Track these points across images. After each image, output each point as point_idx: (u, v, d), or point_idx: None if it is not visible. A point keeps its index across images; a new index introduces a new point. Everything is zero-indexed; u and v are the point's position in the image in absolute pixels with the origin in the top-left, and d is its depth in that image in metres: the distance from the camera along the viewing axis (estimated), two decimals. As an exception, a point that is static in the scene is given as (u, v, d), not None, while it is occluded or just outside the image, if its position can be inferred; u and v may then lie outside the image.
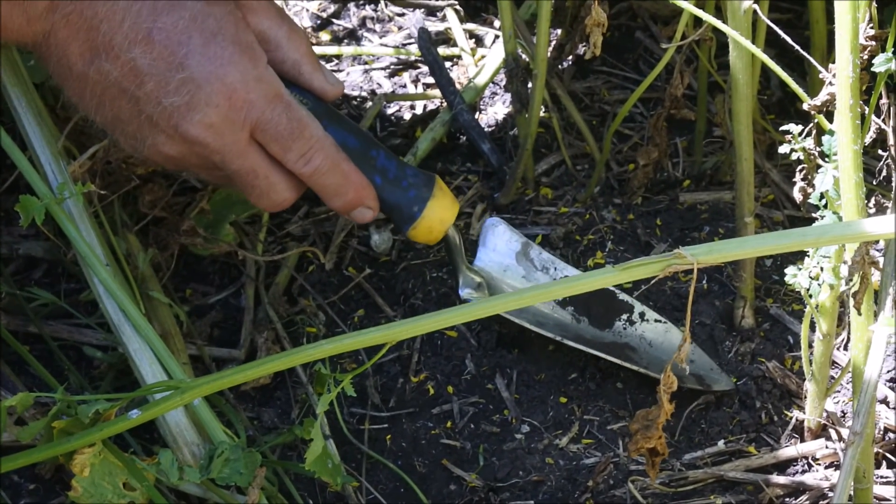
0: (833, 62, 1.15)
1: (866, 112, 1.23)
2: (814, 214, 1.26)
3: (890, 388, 1.45)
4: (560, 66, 1.78)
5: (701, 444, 1.43)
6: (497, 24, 1.91)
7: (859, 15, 1.14)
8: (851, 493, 1.24)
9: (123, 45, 1.23)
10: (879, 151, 1.34)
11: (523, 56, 1.66)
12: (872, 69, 1.19)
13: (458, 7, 1.95)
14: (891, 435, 1.41)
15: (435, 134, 1.74)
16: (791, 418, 1.44)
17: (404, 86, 1.87)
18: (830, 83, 1.23)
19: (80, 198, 1.38)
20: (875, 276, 1.20)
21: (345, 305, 1.59)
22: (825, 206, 1.24)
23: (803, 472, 1.40)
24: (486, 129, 1.75)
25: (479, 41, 1.92)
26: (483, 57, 1.86)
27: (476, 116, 1.77)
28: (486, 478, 1.41)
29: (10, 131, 1.41)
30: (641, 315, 1.50)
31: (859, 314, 1.20)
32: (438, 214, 1.41)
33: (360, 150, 1.37)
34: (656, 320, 1.50)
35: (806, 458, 1.40)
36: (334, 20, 1.98)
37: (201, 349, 1.52)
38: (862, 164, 1.16)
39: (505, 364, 1.50)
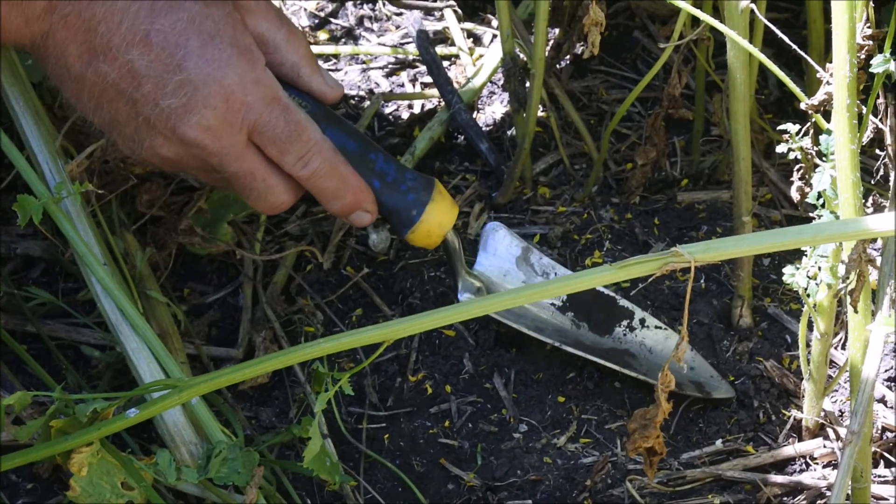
0: (830, 62, 1.15)
1: (864, 111, 1.23)
2: (811, 214, 1.26)
3: (888, 387, 1.45)
4: (558, 66, 1.78)
5: (699, 444, 1.43)
6: (495, 23, 1.90)
7: (856, 14, 1.14)
8: (849, 492, 1.24)
9: (121, 47, 1.22)
10: (877, 151, 1.34)
11: (521, 55, 1.66)
12: (870, 69, 1.19)
13: (456, 6, 1.94)
14: (888, 434, 1.41)
15: (433, 133, 1.74)
16: (789, 417, 1.44)
17: (402, 85, 1.87)
18: (828, 83, 1.23)
19: (78, 197, 1.38)
20: (872, 275, 1.20)
21: (343, 305, 1.59)
22: (823, 206, 1.24)
23: (801, 471, 1.40)
24: (483, 129, 1.75)
25: (477, 40, 1.92)
26: (481, 56, 1.86)
27: (474, 116, 1.77)
28: (484, 477, 1.41)
29: (8, 130, 1.41)
30: (642, 321, 1.49)
31: (856, 312, 1.20)
32: (437, 219, 1.40)
33: (359, 154, 1.36)
34: (656, 327, 1.49)
35: (804, 457, 1.40)
36: (332, 19, 1.98)
37: (199, 348, 1.52)
38: (859, 163, 1.16)
39: (503, 363, 1.50)
